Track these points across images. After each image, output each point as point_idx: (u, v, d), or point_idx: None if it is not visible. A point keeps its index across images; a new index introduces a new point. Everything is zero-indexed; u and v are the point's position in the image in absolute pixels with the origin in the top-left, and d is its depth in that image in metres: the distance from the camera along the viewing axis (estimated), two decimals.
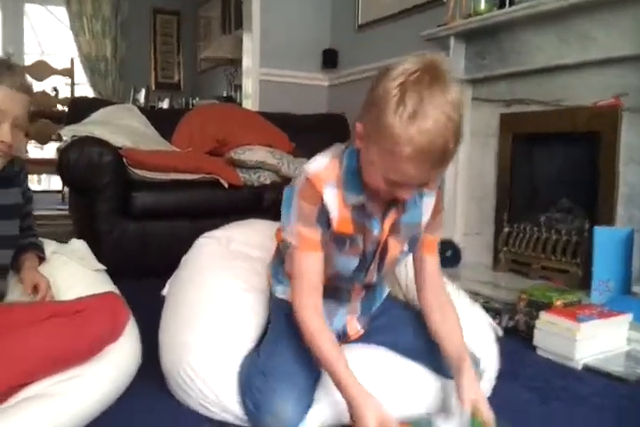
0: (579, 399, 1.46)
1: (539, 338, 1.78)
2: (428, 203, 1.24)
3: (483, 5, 2.70)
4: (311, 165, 1.16)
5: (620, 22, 2.16)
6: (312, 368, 1.21)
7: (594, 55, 2.27)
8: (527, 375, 1.61)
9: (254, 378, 1.20)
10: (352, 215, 1.17)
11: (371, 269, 1.26)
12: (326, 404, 1.22)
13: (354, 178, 1.14)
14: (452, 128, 0.98)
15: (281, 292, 1.36)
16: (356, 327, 1.39)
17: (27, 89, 1.26)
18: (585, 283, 2.21)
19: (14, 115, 1.24)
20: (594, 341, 1.71)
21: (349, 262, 1.22)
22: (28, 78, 1.32)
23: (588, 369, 1.66)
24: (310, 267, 1.18)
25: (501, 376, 1.53)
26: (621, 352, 1.76)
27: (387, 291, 1.48)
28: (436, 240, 1.30)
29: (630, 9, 2.12)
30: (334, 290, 1.29)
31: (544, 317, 1.77)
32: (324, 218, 1.16)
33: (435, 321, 1.27)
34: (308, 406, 1.18)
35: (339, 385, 1.10)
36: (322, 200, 1.14)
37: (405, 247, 1.25)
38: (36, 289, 1.36)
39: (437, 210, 1.26)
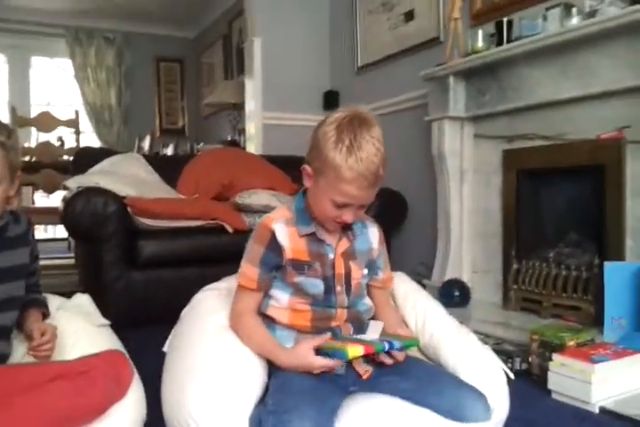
0: None
1: (553, 381, 1.73)
2: (373, 231, 1.49)
3: (480, 44, 2.74)
4: (265, 215, 1.45)
5: (620, 54, 2.18)
6: (323, 404, 1.21)
7: (595, 88, 2.29)
8: (543, 421, 1.56)
9: (266, 418, 1.18)
10: (307, 245, 1.38)
11: (338, 292, 1.40)
12: None
13: (303, 214, 1.39)
14: (380, 157, 1.26)
15: (265, 308, 1.45)
16: (363, 366, 1.38)
17: (1, 146, 1.25)
18: (597, 320, 2.18)
19: None
20: (610, 382, 1.66)
21: (315, 285, 1.38)
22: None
23: (605, 412, 1.61)
24: (245, 304, 1.42)
25: (516, 422, 1.49)
26: (638, 393, 1.71)
27: (377, 325, 1.47)
28: (386, 278, 1.54)
29: (629, 40, 2.14)
30: (321, 324, 1.39)
31: (557, 359, 1.73)
32: (274, 252, 1.37)
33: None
34: None
35: (278, 359, 1.32)
36: (272, 234, 1.36)
37: (365, 271, 1.46)
38: (43, 335, 1.34)
39: (382, 243, 1.51)
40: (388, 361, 1.32)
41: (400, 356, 1.32)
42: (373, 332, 1.42)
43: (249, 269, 1.40)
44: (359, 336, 1.37)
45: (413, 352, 1.55)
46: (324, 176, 1.28)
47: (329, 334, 1.31)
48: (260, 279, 1.39)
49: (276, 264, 1.39)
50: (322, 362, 1.24)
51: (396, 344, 1.27)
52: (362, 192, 1.27)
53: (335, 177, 1.25)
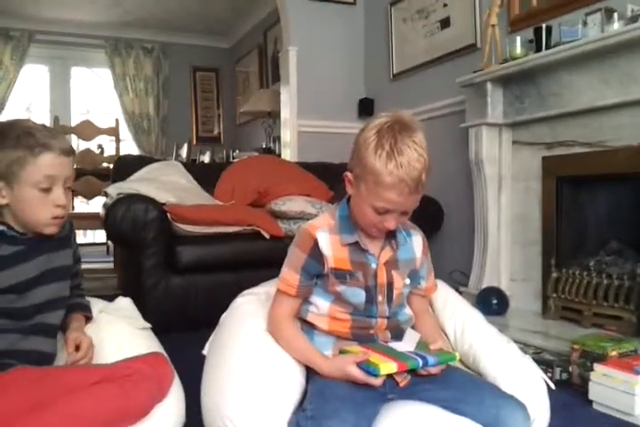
0: None
1: (594, 392, 1.70)
2: (417, 241, 1.47)
3: (519, 50, 2.72)
4: (308, 222, 1.44)
5: None
6: (362, 410, 1.21)
7: (636, 94, 2.25)
8: None
9: (305, 423, 1.18)
10: (349, 254, 1.37)
11: (379, 301, 1.39)
12: None
13: (347, 222, 1.38)
14: (422, 162, 1.24)
15: (304, 314, 1.45)
16: (401, 375, 1.35)
17: (71, 152, 1.31)
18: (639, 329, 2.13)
19: (64, 178, 1.30)
20: None
21: (357, 295, 1.37)
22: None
23: None
24: (284, 309, 1.42)
25: None
26: None
27: (414, 334, 1.49)
28: (429, 287, 1.53)
29: None
30: (360, 332, 1.39)
31: (599, 369, 1.70)
32: (316, 261, 1.36)
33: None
34: None
35: (319, 368, 1.31)
36: (315, 243, 1.36)
37: (407, 281, 1.43)
38: (77, 348, 1.38)
39: (425, 251, 1.49)
40: (424, 372, 1.30)
41: (434, 370, 1.29)
42: (409, 342, 1.42)
43: (290, 275, 1.40)
44: (395, 345, 1.36)
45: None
46: (364, 182, 1.27)
47: (367, 349, 1.29)
48: (300, 286, 1.39)
49: (317, 272, 1.39)
50: (361, 377, 1.22)
51: (431, 361, 1.25)
52: (402, 198, 1.25)
53: (375, 183, 1.24)
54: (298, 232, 1.43)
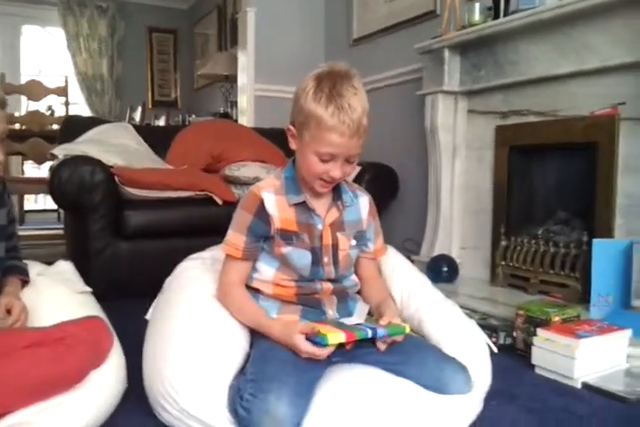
0: (578, 420, 1.42)
1: (537, 356, 1.73)
2: (363, 202, 1.49)
3: (477, 16, 2.69)
4: (255, 184, 1.44)
5: (617, 30, 2.14)
6: (304, 373, 1.21)
7: (591, 64, 2.25)
8: (525, 395, 1.56)
9: (244, 386, 1.17)
10: (296, 215, 1.37)
11: (325, 263, 1.40)
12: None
13: (292, 183, 1.39)
14: (363, 105, 1.26)
15: (249, 281, 1.44)
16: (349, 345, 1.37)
17: (3, 104, 1.24)
18: (584, 297, 2.17)
19: None
20: (593, 358, 1.66)
21: (303, 256, 1.37)
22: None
23: (587, 388, 1.61)
24: (233, 275, 1.41)
25: (499, 397, 1.50)
26: (621, 369, 1.71)
27: (363, 307, 1.49)
28: (377, 249, 1.54)
29: (626, 16, 2.10)
30: (306, 297, 1.39)
31: (542, 334, 1.72)
32: (262, 221, 1.36)
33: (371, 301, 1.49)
34: (304, 408, 1.16)
35: (268, 331, 1.31)
36: (261, 203, 1.36)
37: (353, 242, 1.44)
38: (9, 313, 1.33)
39: (372, 213, 1.51)
40: (382, 347, 1.31)
41: (382, 346, 1.30)
42: (359, 315, 1.43)
43: (235, 238, 1.39)
44: (346, 320, 1.36)
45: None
46: (307, 129, 1.28)
47: (315, 323, 1.28)
48: (246, 248, 1.38)
49: (263, 233, 1.38)
50: (308, 349, 1.22)
51: (381, 332, 1.26)
52: (344, 140, 1.25)
53: (317, 127, 1.25)
54: (244, 195, 1.42)
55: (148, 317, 1.53)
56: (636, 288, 2.06)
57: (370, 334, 1.24)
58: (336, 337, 1.20)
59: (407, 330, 1.31)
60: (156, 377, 1.30)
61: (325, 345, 1.21)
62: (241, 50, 4.45)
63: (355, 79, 1.28)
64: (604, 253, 2.07)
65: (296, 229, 1.37)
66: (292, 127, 1.34)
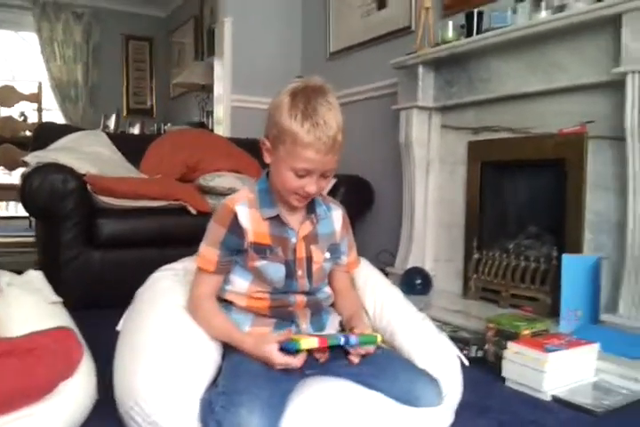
0: None
1: (507, 369, 1.75)
2: (337, 215, 1.49)
3: (450, 34, 2.74)
4: (227, 196, 1.42)
5: (587, 50, 2.19)
6: (276, 386, 1.21)
7: (561, 82, 2.30)
8: (496, 408, 1.58)
9: (216, 399, 1.16)
10: (270, 229, 1.36)
11: (299, 276, 1.39)
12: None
13: (266, 196, 1.38)
14: (338, 121, 1.25)
15: (222, 293, 1.43)
16: (322, 352, 1.37)
17: None
18: (555, 310, 2.21)
19: None
20: (562, 371, 1.69)
21: (277, 270, 1.36)
22: None
23: (556, 400, 1.64)
24: (204, 288, 1.40)
25: (470, 409, 1.51)
26: (589, 382, 1.74)
27: (336, 318, 1.50)
28: (350, 262, 1.54)
29: (596, 36, 2.15)
30: (279, 309, 1.38)
31: (512, 347, 1.74)
32: (236, 235, 1.35)
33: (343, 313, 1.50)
34: (276, 421, 1.15)
35: (240, 346, 1.30)
36: (235, 216, 1.34)
37: (327, 255, 1.44)
38: None
39: (346, 226, 1.50)
40: (354, 360, 1.31)
41: (354, 358, 1.31)
42: (332, 328, 1.45)
43: (208, 251, 1.37)
44: (319, 333, 1.36)
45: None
46: (282, 144, 1.27)
47: (289, 330, 1.32)
48: (219, 262, 1.37)
49: (236, 247, 1.37)
50: (282, 360, 1.22)
51: (353, 340, 1.26)
52: (320, 156, 1.25)
53: (293, 143, 1.24)
54: (217, 208, 1.41)
55: (118, 328, 1.51)
56: (604, 303, 2.11)
57: (342, 340, 1.25)
58: (309, 342, 1.21)
59: (379, 339, 1.31)
60: (127, 389, 1.29)
61: (298, 350, 1.21)
62: (217, 60, 4.46)
63: (329, 94, 1.28)
64: (573, 268, 2.11)
65: (269, 242, 1.36)
66: (266, 141, 1.33)
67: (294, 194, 1.32)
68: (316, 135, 1.22)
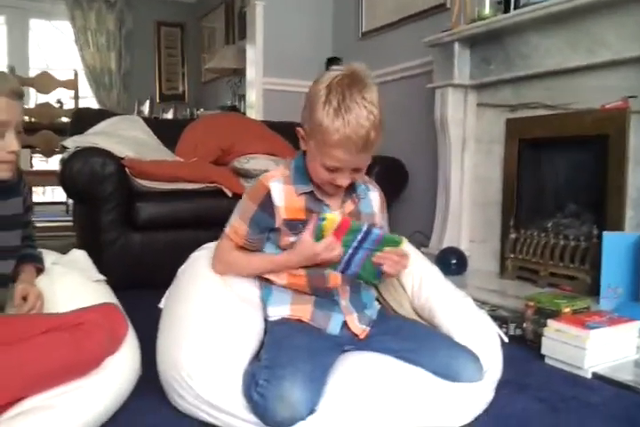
0: (589, 409, 1.42)
1: (547, 346, 1.74)
2: (374, 196, 1.49)
3: (487, 10, 2.69)
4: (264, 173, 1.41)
5: (628, 23, 2.14)
6: (318, 360, 1.23)
7: (602, 57, 2.24)
8: (536, 385, 1.57)
9: (259, 372, 1.19)
10: (305, 203, 1.36)
11: None
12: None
13: (302, 173, 1.36)
14: (372, 120, 1.20)
15: (271, 314, 1.42)
16: (359, 327, 1.42)
17: (21, 95, 1.26)
18: (594, 289, 2.17)
19: (15, 122, 1.25)
20: (603, 348, 1.67)
21: None
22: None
23: (597, 378, 1.62)
24: (226, 249, 1.44)
25: (510, 386, 1.51)
26: (631, 360, 1.72)
27: (374, 294, 1.53)
28: None
29: (638, 10, 2.09)
30: (317, 287, 1.39)
31: (552, 325, 1.73)
32: (267, 213, 1.35)
33: None
34: (317, 394, 1.18)
35: (286, 266, 1.36)
36: (267, 193, 1.34)
37: None
38: (25, 300, 1.34)
39: (383, 208, 1.52)
40: (389, 270, 1.31)
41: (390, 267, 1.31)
42: (372, 307, 1.49)
43: (238, 224, 1.40)
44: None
45: (408, 313, 1.55)
46: (314, 139, 1.26)
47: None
48: (248, 238, 1.39)
49: (266, 226, 1.38)
50: (321, 245, 1.27)
51: (377, 231, 1.28)
52: (350, 157, 1.23)
53: (322, 140, 1.22)
54: (253, 184, 1.42)
55: (161, 305, 1.54)
56: None
57: (366, 226, 1.28)
58: (333, 217, 1.26)
59: (404, 242, 1.31)
60: (171, 364, 1.31)
61: (324, 220, 1.25)
62: (249, 43, 4.45)
63: (368, 89, 1.23)
64: (614, 246, 2.08)
65: (304, 216, 1.36)
66: (301, 129, 1.32)
67: (327, 184, 1.32)
68: (346, 135, 1.19)
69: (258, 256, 1.41)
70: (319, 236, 1.28)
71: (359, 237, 1.28)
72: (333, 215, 1.27)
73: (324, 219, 1.26)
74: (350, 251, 1.30)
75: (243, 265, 1.42)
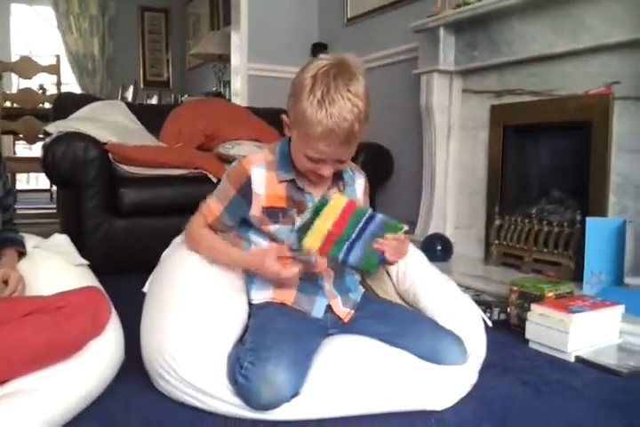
0: (572, 392, 1.44)
1: (531, 331, 1.75)
2: (360, 184, 1.48)
3: None
4: (247, 155, 1.38)
5: (612, 8, 2.13)
6: (302, 343, 1.23)
7: (586, 43, 2.24)
8: (520, 369, 1.58)
9: (243, 355, 1.19)
10: (287, 191, 1.34)
11: None
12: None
13: (285, 160, 1.34)
14: (356, 113, 1.17)
15: (254, 298, 1.43)
16: (343, 310, 1.42)
17: None
18: (577, 275, 2.19)
19: None
20: (586, 333, 1.68)
21: (290, 234, 1.33)
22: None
23: (580, 361, 1.63)
24: (200, 222, 1.44)
25: (494, 370, 1.52)
26: (613, 344, 1.73)
27: (358, 279, 1.53)
28: None
29: None
30: (305, 273, 1.36)
31: (536, 309, 1.74)
32: (244, 199, 1.33)
33: None
34: (301, 376, 1.18)
35: (242, 264, 1.38)
36: (248, 180, 1.32)
37: None
38: (6, 284, 1.33)
39: (366, 193, 1.52)
40: (384, 248, 1.27)
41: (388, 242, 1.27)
42: (356, 292, 1.48)
43: (214, 204, 1.40)
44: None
45: (393, 297, 1.55)
46: (297, 128, 1.24)
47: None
48: (220, 218, 1.40)
49: (239, 214, 1.37)
50: (276, 267, 1.27)
51: (380, 216, 1.28)
52: (333, 149, 1.22)
53: (305, 132, 1.20)
54: (234, 165, 1.39)
55: (145, 289, 1.53)
56: (628, 267, 2.09)
57: (369, 212, 1.28)
58: (339, 199, 1.28)
59: (404, 229, 1.30)
60: (155, 347, 1.31)
61: (326, 201, 1.26)
62: (234, 29, 4.41)
63: (355, 81, 1.19)
64: (597, 232, 2.09)
65: (284, 204, 1.34)
66: (286, 118, 1.29)
67: (310, 173, 1.31)
68: (329, 127, 1.17)
69: (222, 244, 1.41)
70: (311, 218, 1.26)
71: (362, 221, 1.27)
72: (340, 197, 1.26)
73: (326, 200, 1.25)
74: (353, 236, 1.28)
75: (203, 245, 1.42)
